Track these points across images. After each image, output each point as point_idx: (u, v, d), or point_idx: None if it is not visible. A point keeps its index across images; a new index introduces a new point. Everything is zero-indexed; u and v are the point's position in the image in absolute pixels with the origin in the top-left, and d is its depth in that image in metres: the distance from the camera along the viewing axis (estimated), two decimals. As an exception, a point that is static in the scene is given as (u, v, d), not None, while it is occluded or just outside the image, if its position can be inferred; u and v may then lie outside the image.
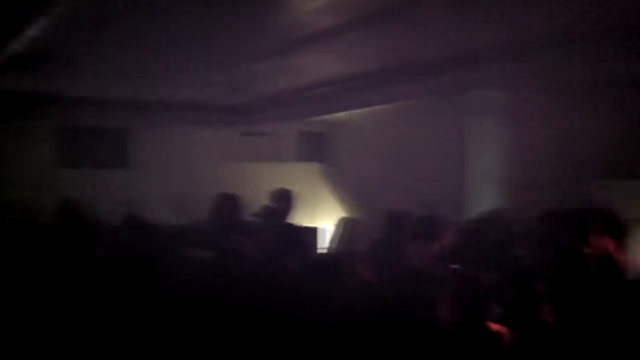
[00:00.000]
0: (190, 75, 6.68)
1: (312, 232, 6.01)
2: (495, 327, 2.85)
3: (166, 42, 5.23)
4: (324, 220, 8.22)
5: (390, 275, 3.81)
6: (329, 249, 5.00)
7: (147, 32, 4.93)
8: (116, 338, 3.24)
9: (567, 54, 5.11)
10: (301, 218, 5.96)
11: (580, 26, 4.65)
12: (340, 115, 8.42)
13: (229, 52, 5.75)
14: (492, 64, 5.68)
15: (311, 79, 7.10)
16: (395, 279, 3.69)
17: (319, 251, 6.41)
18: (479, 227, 4.72)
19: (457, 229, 4.69)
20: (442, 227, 4.62)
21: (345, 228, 4.90)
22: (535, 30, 4.91)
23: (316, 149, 9.97)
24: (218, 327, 3.14)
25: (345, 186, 9.34)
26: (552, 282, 3.44)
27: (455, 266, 3.69)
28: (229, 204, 5.42)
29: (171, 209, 6.64)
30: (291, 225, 5.37)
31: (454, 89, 6.41)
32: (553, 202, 5.07)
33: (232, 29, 5.01)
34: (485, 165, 6.96)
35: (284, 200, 5.66)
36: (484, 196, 6.78)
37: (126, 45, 5.33)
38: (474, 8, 4.41)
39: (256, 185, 8.12)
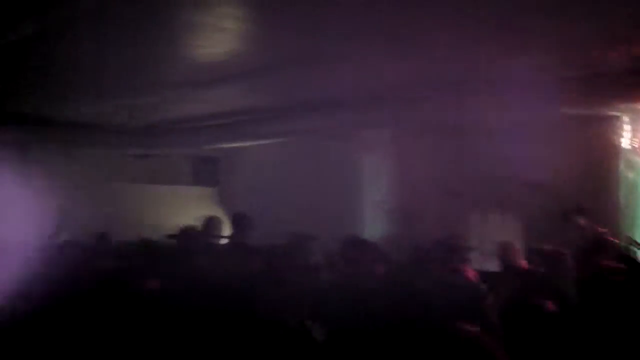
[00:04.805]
0: (99, 98, 6.72)
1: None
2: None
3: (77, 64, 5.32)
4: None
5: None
6: None
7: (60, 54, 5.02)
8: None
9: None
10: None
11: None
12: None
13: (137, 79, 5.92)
14: (383, 107, 6.28)
15: (212, 111, 7.40)
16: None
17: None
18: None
19: None
20: None
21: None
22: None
23: (211, 174, 10.18)
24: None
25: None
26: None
27: None
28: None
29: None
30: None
31: (349, 128, 6.95)
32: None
33: (144, 57, 5.20)
34: (376, 196, 7.56)
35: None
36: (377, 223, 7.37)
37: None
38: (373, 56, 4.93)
39: (155, 206, 8.52)
